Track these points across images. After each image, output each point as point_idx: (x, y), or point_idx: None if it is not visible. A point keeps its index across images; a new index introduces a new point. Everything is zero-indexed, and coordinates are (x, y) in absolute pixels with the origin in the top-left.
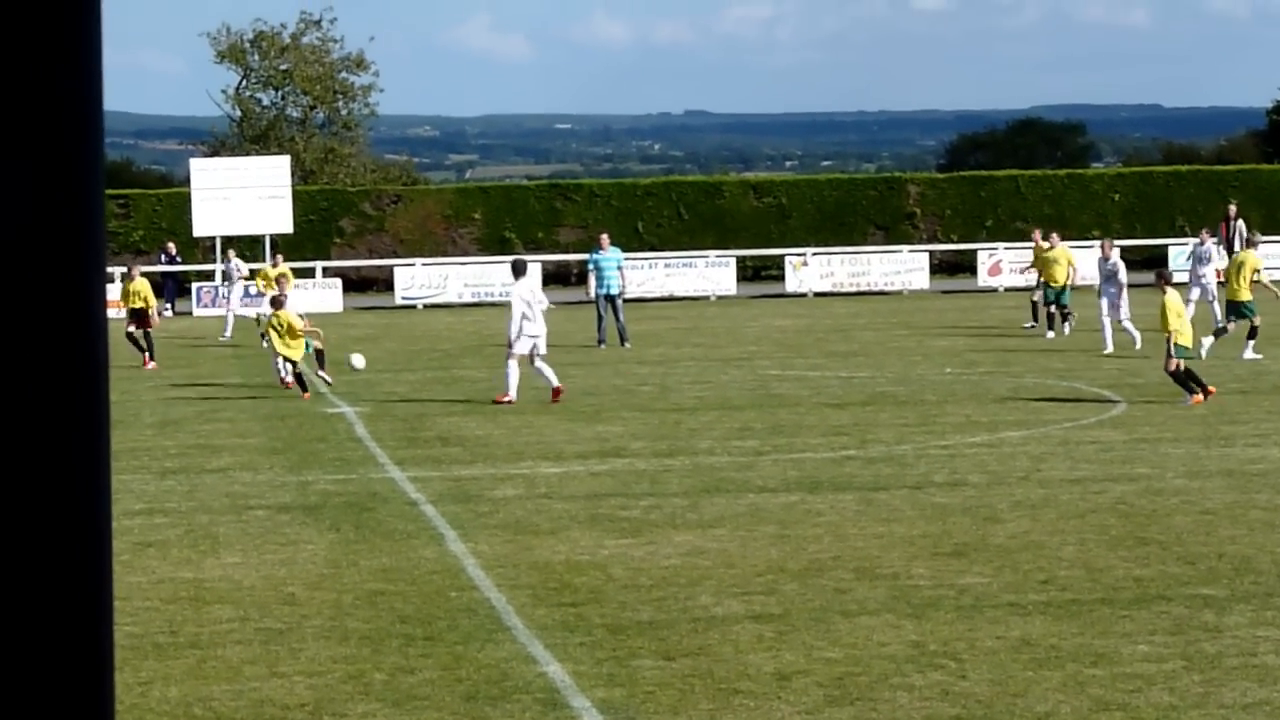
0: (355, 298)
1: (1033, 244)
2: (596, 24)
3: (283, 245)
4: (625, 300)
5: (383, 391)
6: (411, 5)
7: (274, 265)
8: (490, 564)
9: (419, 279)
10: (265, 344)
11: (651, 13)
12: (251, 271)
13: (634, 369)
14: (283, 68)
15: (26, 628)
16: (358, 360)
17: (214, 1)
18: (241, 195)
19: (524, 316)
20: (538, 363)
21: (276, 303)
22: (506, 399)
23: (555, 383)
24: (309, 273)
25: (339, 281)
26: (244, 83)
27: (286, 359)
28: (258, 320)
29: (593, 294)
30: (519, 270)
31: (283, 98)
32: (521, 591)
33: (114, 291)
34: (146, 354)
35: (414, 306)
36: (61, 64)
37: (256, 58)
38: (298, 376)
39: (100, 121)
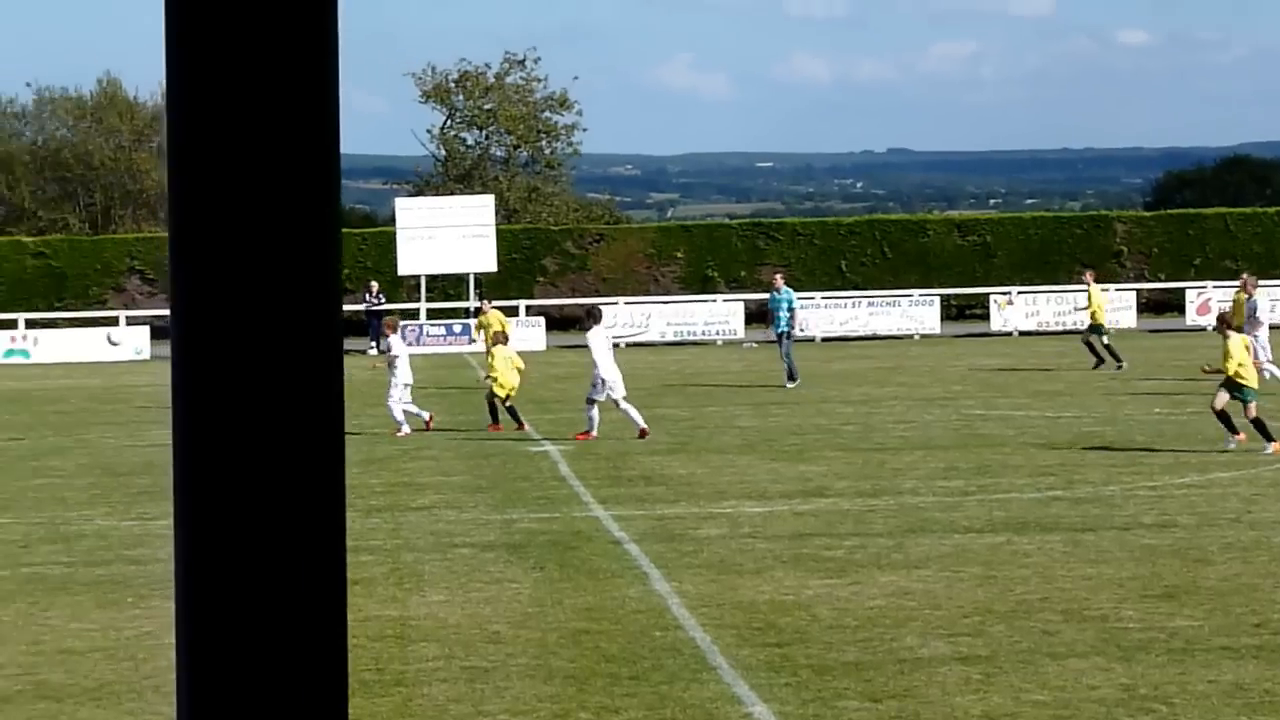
0: (558, 336)
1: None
2: (798, 62)
3: (486, 284)
4: (826, 339)
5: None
6: (614, 44)
7: (483, 310)
8: (695, 603)
9: (621, 318)
10: (486, 380)
11: (853, 50)
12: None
13: (837, 408)
14: (487, 107)
15: (273, 662)
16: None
17: (417, 42)
18: (446, 234)
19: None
20: (622, 404)
21: (498, 338)
22: (589, 435)
23: (641, 424)
24: (512, 311)
25: (542, 320)
26: (449, 122)
27: (495, 395)
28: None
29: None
30: (595, 317)
31: (487, 137)
32: (726, 631)
33: None
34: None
35: (617, 345)
36: (303, 105)
37: (461, 97)
38: (509, 411)
39: (338, 161)
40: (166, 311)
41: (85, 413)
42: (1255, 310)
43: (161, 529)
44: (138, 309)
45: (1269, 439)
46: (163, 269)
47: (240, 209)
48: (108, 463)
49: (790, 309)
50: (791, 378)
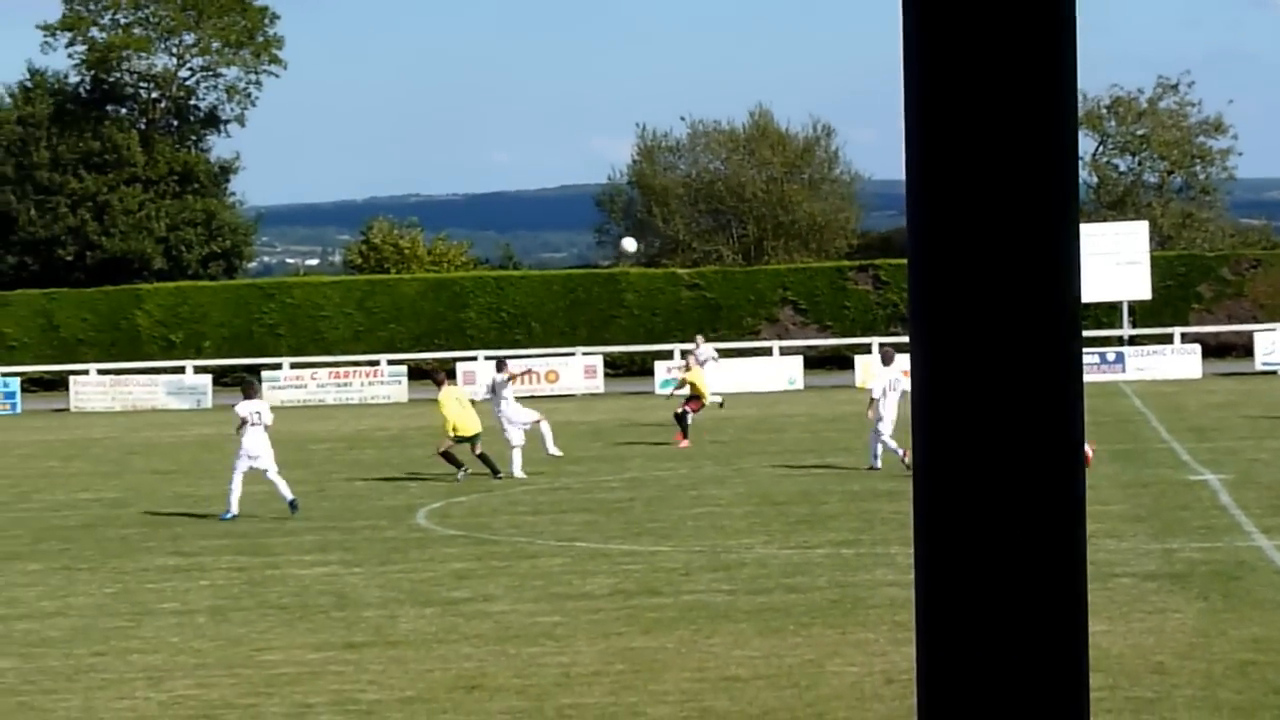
0: (1214, 364)
1: None
2: None
3: (1139, 311)
4: None
5: (1246, 459)
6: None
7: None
8: None
9: None
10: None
11: None
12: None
13: None
14: (1140, 133)
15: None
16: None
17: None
18: (1098, 261)
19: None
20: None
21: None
22: None
23: None
24: (1165, 339)
25: (1197, 347)
26: (1100, 149)
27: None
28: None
29: None
30: (888, 359)
31: (1139, 163)
32: None
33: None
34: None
35: (1274, 372)
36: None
37: (1113, 123)
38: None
39: (1075, 164)
40: (818, 341)
41: (742, 442)
42: None
43: (821, 557)
44: (790, 339)
45: None
46: (814, 299)
47: (981, 215)
48: (765, 491)
49: None
50: None
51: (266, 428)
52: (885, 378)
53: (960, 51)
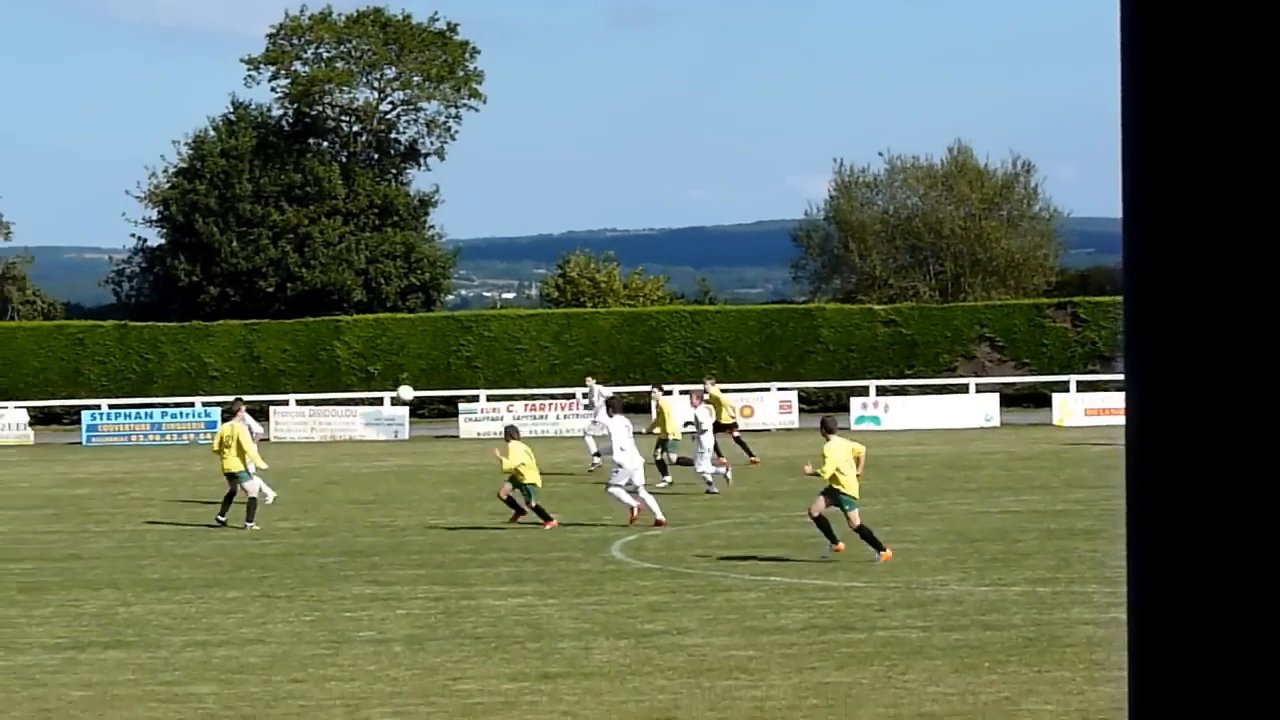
0: None
1: None
2: None
3: None
4: None
5: None
6: None
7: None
8: None
9: None
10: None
11: None
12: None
13: None
14: None
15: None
16: (405, 391)
17: None
18: None
19: None
20: None
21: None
22: None
23: None
24: None
25: None
26: None
27: None
28: None
29: None
30: None
31: None
32: None
33: None
34: None
35: None
36: None
37: None
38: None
39: None
40: (1015, 379)
41: (937, 478)
42: None
43: (1016, 594)
44: (987, 376)
45: None
46: (1012, 336)
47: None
48: (961, 528)
49: None
50: None
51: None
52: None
53: (1182, 84)
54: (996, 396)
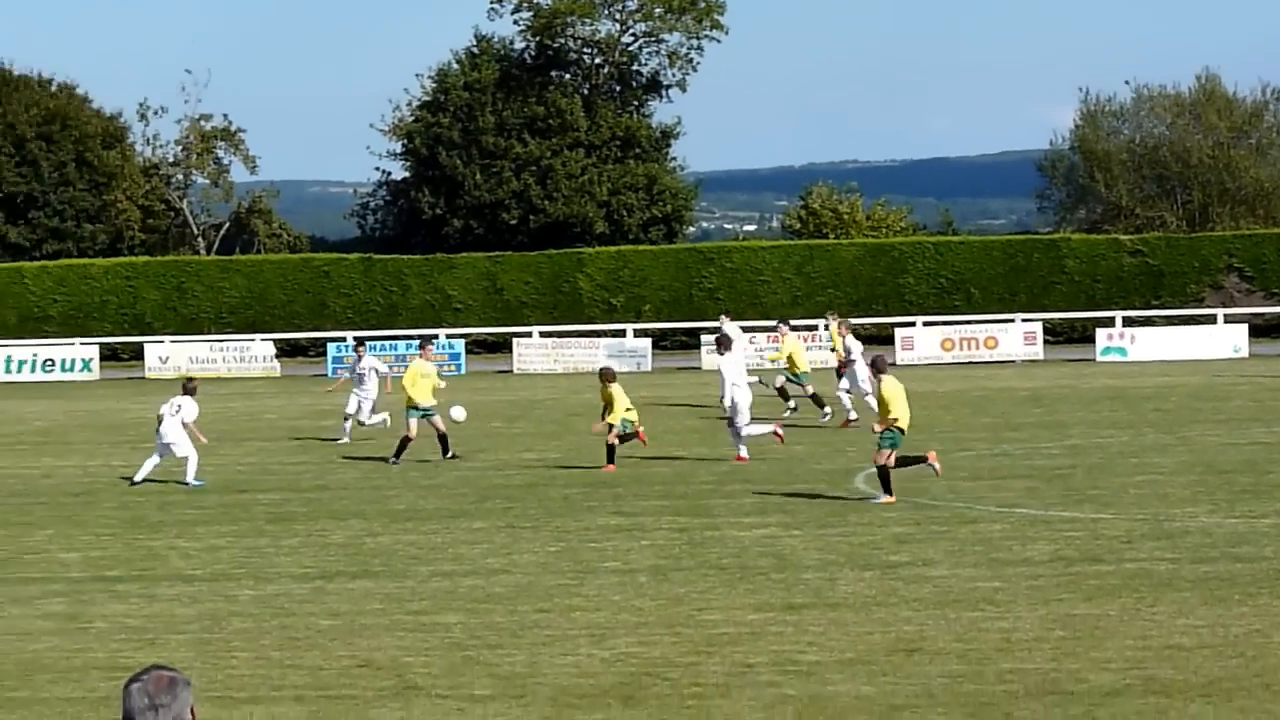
0: None
1: None
2: None
3: None
4: None
5: None
6: None
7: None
8: None
9: None
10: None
11: None
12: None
13: None
14: None
15: None
16: (457, 412)
17: None
18: None
19: None
20: None
21: None
22: None
23: None
24: None
25: None
26: None
27: None
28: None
29: None
30: None
31: None
32: None
33: None
34: None
35: None
36: None
37: None
38: None
39: None
40: (1265, 309)
41: (1185, 410)
42: None
43: (1267, 526)
44: (1235, 307)
45: None
46: (1261, 266)
47: None
48: (1210, 460)
49: None
50: None
51: (185, 423)
52: None
53: None
54: (1245, 327)
